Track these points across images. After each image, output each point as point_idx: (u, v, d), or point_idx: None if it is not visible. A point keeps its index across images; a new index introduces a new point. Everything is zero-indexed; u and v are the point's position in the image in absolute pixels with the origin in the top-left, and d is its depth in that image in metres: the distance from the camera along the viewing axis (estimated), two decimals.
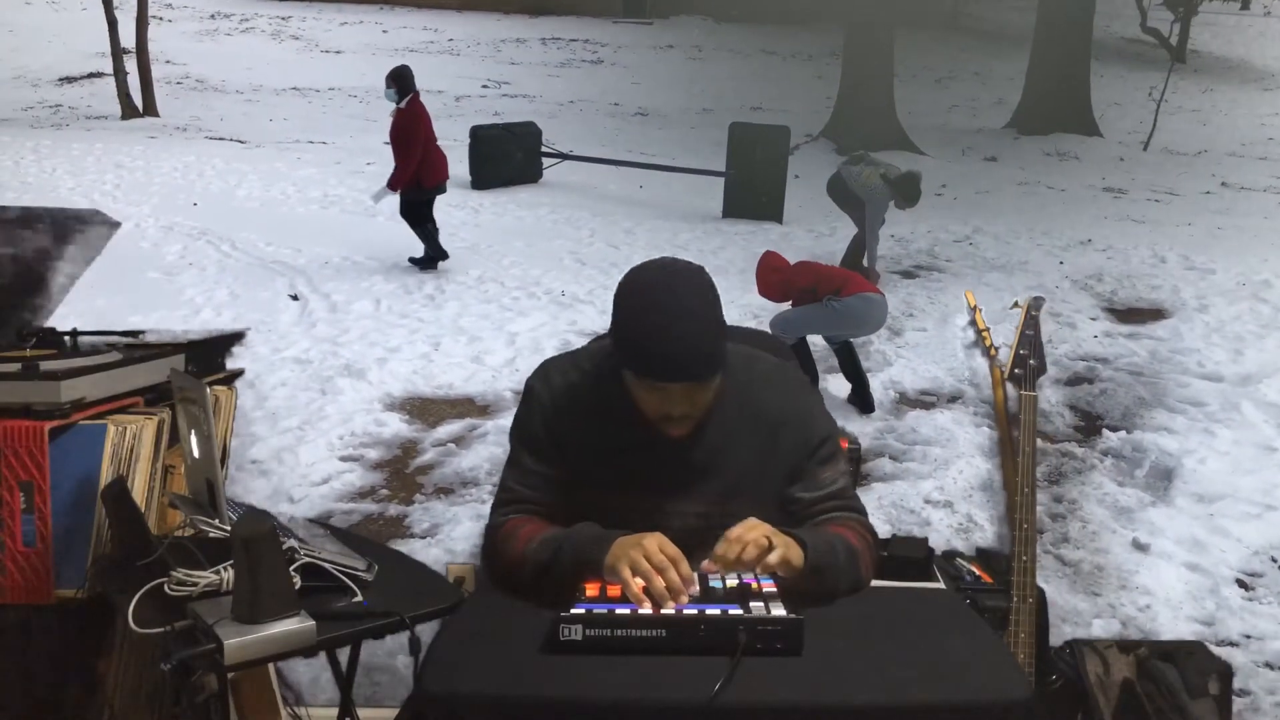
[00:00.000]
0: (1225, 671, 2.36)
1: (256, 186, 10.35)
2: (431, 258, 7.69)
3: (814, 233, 9.29)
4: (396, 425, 4.71)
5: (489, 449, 4.47)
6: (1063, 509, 4.07)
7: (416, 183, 7.70)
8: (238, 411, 4.67)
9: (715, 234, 9.37)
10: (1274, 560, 3.67)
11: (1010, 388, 2.38)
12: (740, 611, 1.39)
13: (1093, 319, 6.92)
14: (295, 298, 6.82)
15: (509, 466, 1.75)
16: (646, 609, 1.41)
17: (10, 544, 2.01)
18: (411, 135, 7.62)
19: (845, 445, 1.84)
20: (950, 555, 2.46)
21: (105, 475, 2.03)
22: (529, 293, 7.11)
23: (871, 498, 4.08)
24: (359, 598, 1.73)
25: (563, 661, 1.35)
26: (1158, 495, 4.19)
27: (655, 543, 1.49)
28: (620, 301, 1.60)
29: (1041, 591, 2.27)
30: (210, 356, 2.54)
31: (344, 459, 4.37)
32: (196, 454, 1.96)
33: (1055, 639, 3.19)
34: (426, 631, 1.56)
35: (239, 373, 2.60)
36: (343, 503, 4.03)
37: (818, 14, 25.91)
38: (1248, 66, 25.36)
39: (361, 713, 2.19)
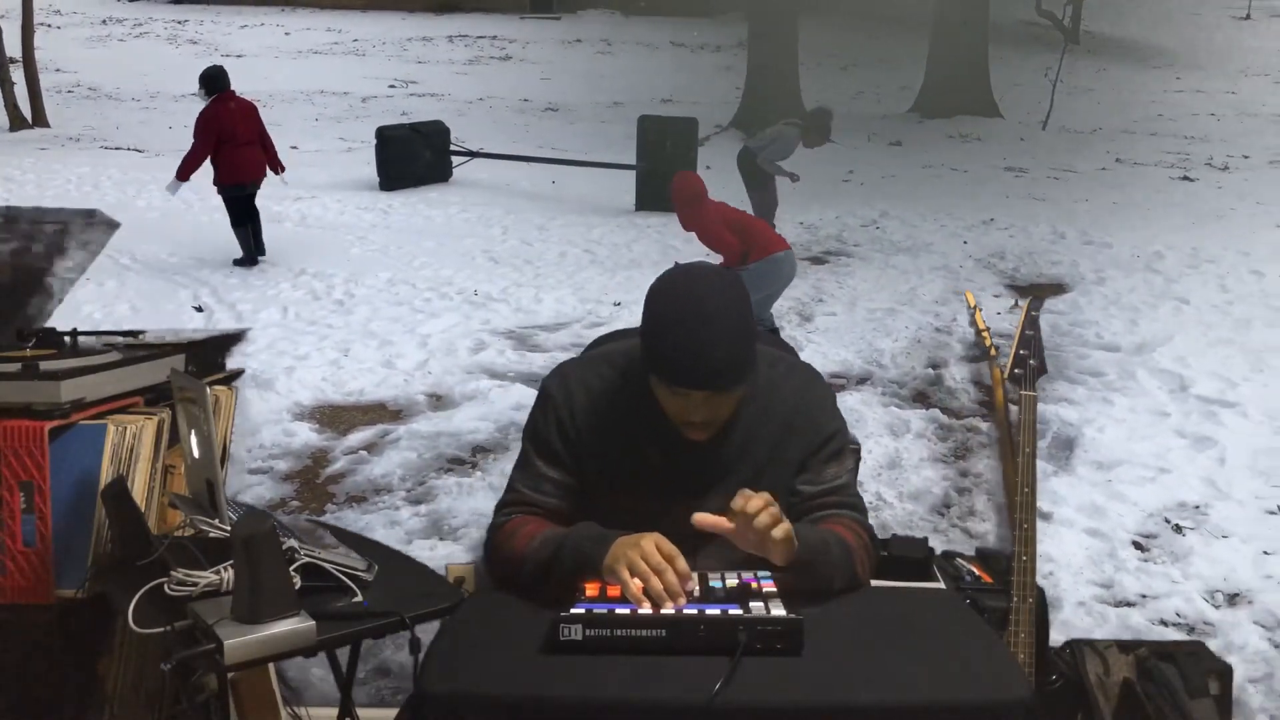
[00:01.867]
0: (1225, 671, 2.38)
1: (157, 196, 10.06)
2: (247, 258, 7.79)
3: None
4: (306, 435, 4.63)
5: (402, 454, 4.42)
6: (969, 483, 4.18)
7: (219, 179, 7.84)
8: None
9: (629, 227, 9.40)
10: (1167, 521, 3.82)
11: (1010, 387, 2.41)
12: (740, 611, 1.39)
13: (996, 296, 7.11)
14: (200, 309, 6.66)
15: (518, 468, 1.74)
16: (646, 609, 1.41)
17: (10, 544, 2.01)
18: (198, 129, 7.77)
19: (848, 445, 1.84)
20: (950, 555, 2.48)
21: (105, 475, 2.02)
22: (441, 293, 7.05)
23: None
24: (359, 598, 1.73)
25: (563, 661, 1.35)
26: (1060, 465, 4.33)
27: (652, 542, 1.49)
28: (650, 306, 1.60)
29: (1041, 591, 2.28)
30: (210, 356, 2.53)
31: (252, 471, 4.29)
32: (196, 454, 1.96)
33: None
34: (426, 631, 1.57)
35: (239, 372, 2.58)
36: None
37: (724, 5, 26.11)
38: (1138, 46, 26.26)
39: (361, 713, 2.19)
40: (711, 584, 1.49)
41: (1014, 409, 2.40)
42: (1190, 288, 7.24)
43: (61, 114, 15.46)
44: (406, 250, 8.29)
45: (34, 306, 2.66)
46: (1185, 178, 12.78)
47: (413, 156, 11.23)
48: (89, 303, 6.76)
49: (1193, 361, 5.56)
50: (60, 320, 6.35)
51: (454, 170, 11.79)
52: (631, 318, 6.59)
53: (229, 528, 1.80)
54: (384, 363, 5.57)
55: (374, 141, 11.16)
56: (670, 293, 1.58)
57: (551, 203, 10.56)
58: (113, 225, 2.80)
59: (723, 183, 9.77)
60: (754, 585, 1.48)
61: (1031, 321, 2.40)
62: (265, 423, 4.72)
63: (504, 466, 4.31)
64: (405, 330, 6.17)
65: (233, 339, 2.82)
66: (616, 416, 1.69)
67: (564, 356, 5.85)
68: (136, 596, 1.68)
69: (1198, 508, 3.94)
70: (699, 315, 1.53)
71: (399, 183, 10.92)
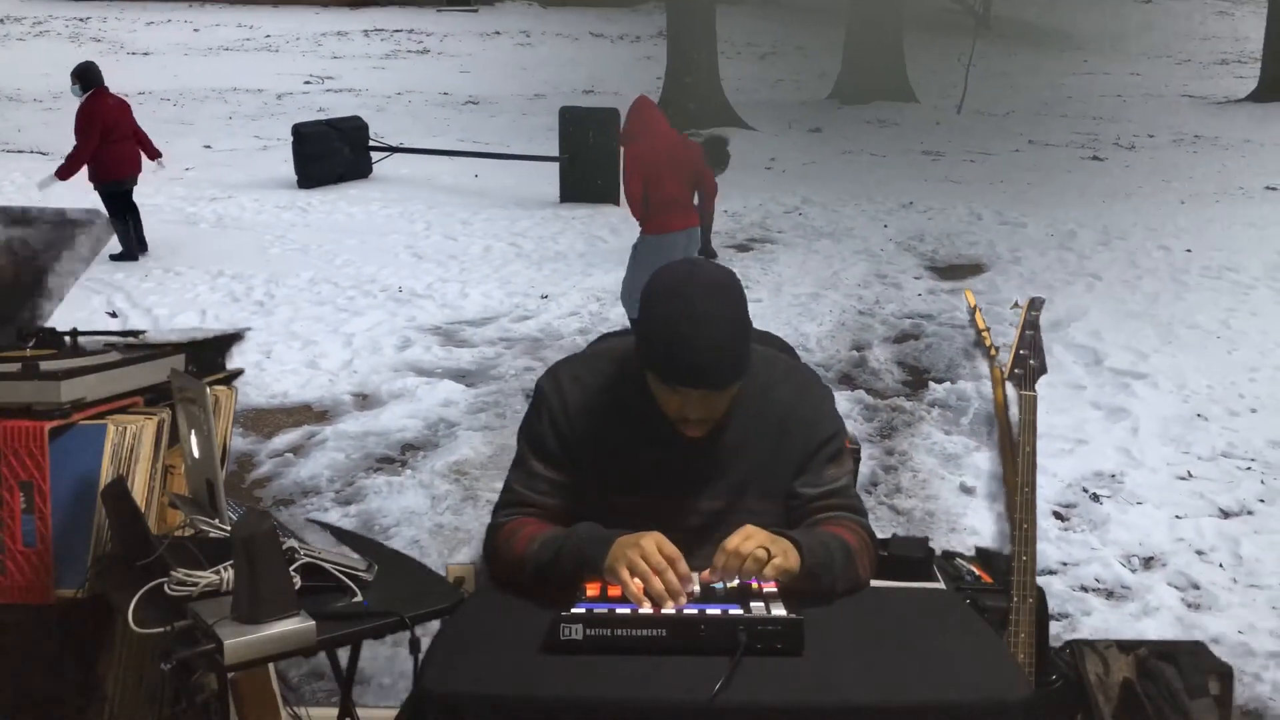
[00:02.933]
0: (1225, 671, 2.40)
1: (64, 200, 9.72)
2: (125, 253, 7.74)
3: None
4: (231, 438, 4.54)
5: (329, 455, 4.36)
6: (895, 460, 4.27)
7: (97, 177, 7.79)
8: None
9: (553, 219, 9.37)
10: (1085, 490, 3.94)
11: (1010, 387, 2.43)
12: (740, 611, 1.39)
13: (916, 278, 7.25)
14: (114, 315, 6.47)
15: (515, 469, 1.74)
16: (646, 609, 1.41)
17: (10, 544, 1.99)
18: (83, 128, 7.70)
19: (848, 446, 1.85)
20: (950, 555, 2.50)
21: (105, 475, 2.00)
22: (364, 291, 6.95)
23: None
24: (359, 598, 1.73)
25: (563, 661, 1.35)
26: (981, 440, 4.43)
27: (653, 542, 1.49)
28: (647, 303, 1.60)
29: (1041, 591, 2.28)
30: (210, 356, 2.48)
31: None
32: (196, 454, 1.94)
33: None
34: (426, 632, 1.56)
35: (239, 372, 2.53)
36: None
37: None
38: (1046, 30, 26.93)
39: (361, 713, 2.18)
40: (712, 584, 1.51)
41: (1014, 410, 2.43)
42: (1102, 264, 7.47)
43: None
44: (328, 249, 8.15)
45: (34, 307, 2.59)
46: (1095, 157, 13.16)
47: (331, 153, 11.03)
48: None
49: (1106, 335, 5.74)
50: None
51: (374, 166, 11.62)
52: (559, 310, 6.58)
53: (229, 528, 1.79)
54: (308, 364, 5.48)
55: (290, 139, 10.93)
56: (668, 290, 1.59)
57: (475, 197, 10.47)
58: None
59: None
60: (754, 585, 1.49)
61: (1031, 321, 2.43)
62: None
63: (434, 464, 4.28)
64: (329, 330, 6.07)
65: (232, 339, 2.78)
66: (611, 415, 1.70)
67: (491, 351, 5.85)
68: (136, 596, 1.68)
69: (1114, 476, 4.07)
70: (696, 313, 1.54)
71: (318, 180, 10.71)
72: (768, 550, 1.49)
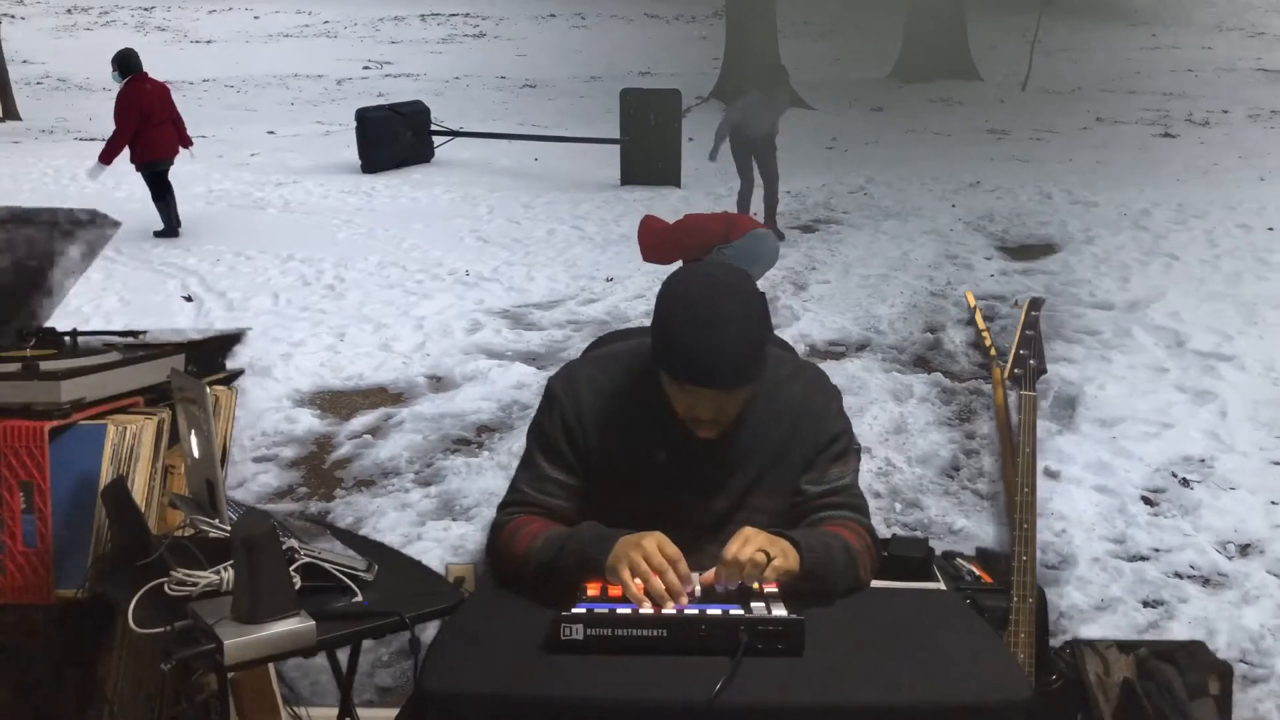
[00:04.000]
0: (1225, 671, 2.39)
1: (136, 186, 9.91)
2: (166, 229, 8.15)
3: (712, 195, 9.33)
4: (309, 421, 4.60)
5: (407, 437, 4.40)
6: (976, 445, 4.20)
7: (137, 158, 8.15)
8: None
9: (615, 202, 9.35)
10: (1174, 475, 3.85)
11: (1010, 387, 2.41)
12: (741, 612, 1.39)
13: (988, 258, 7.12)
14: (189, 299, 6.59)
15: (523, 468, 1.74)
16: (647, 609, 1.41)
17: (10, 544, 2.00)
18: (121, 113, 8.01)
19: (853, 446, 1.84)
20: (950, 555, 2.49)
21: (105, 475, 2.01)
22: (432, 274, 7.00)
23: None
24: (359, 598, 1.73)
25: (563, 661, 1.35)
26: (1063, 423, 4.35)
27: (654, 543, 1.49)
28: (663, 303, 1.60)
29: (1041, 591, 2.28)
30: (210, 356, 2.50)
31: (258, 460, 4.26)
32: (196, 454, 1.95)
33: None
34: (426, 632, 1.56)
35: (239, 372, 2.56)
36: (262, 504, 3.92)
37: None
38: (1113, 4, 26.25)
39: (361, 713, 2.18)
40: (714, 587, 1.50)
41: (1014, 411, 2.40)
42: (1179, 244, 7.28)
43: (32, 106, 15.24)
44: (394, 233, 8.22)
45: (34, 307, 2.63)
46: (1166, 134, 12.82)
47: (394, 138, 11.12)
48: (76, 296, 6.65)
49: (1187, 317, 5.59)
50: (50, 316, 6.28)
51: (435, 150, 11.69)
52: (625, 293, 6.57)
53: (229, 528, 1.79)
54: (381, 346, 5.53)
55: (353, 124, 11.04)
56: (684, 291, 1.59)
57: (535, 180, 10.49)
58: (114, 224, 2.76)
59: (706, 155, 9.77)
60: (755, 585, 1.49)
61: (1031, 321, 2.42)
62: (266, 410, 4.68)
63: (510, 445, 4.31)
64: (399, 313, 6.12)
65: (232, 339, 2.81)
66: (623, 416, 1.70)
67: (560, 334, 5.86)
68: (136, 596, 1.67)
69: (1203, 461, 3.97)
70: (712, 314, 1.54)
71: (381, 165, 10.81)
72: (766, 553, 1.48)
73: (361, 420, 4.62)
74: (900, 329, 5.59)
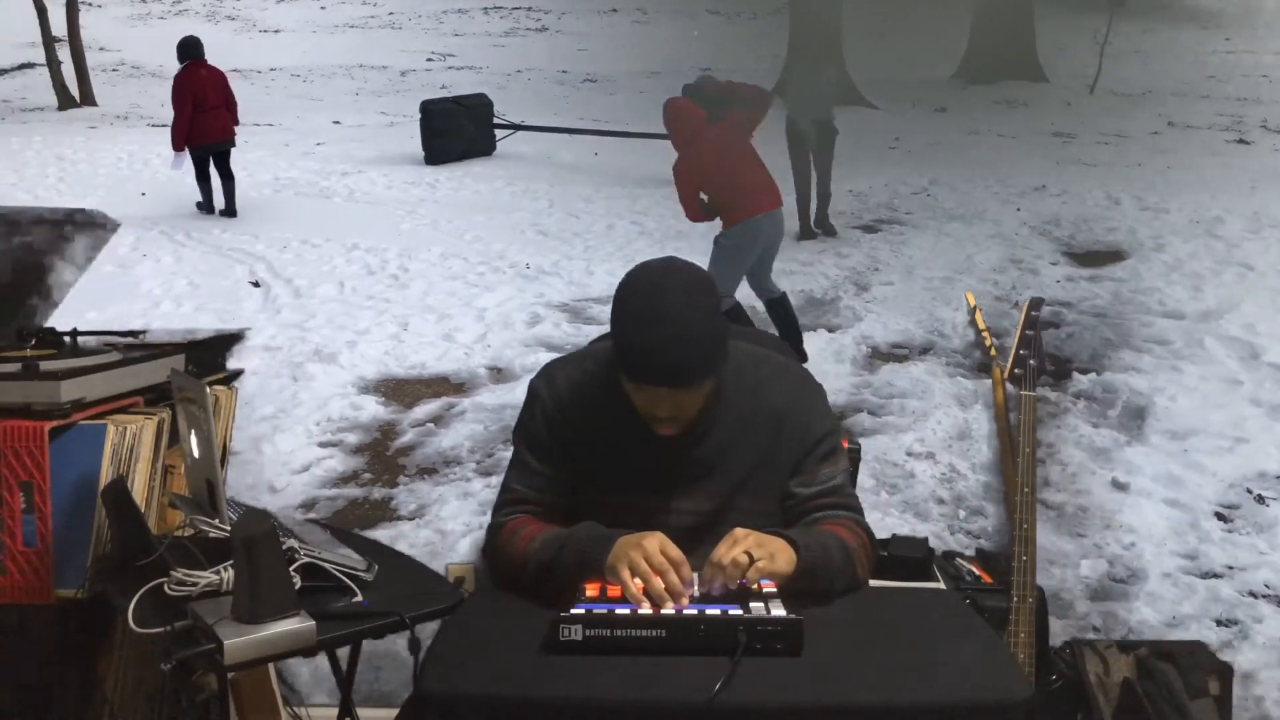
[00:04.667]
0: (1225, 671, 2.38)
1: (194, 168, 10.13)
2: (206, 205, 8.59)
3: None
4: (373, 408, 4.67)
5: (469, 427, 4.44)
6: (1042, 454, 4.13)
7: (189, 141, 8.50)
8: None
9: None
10: (1249, 492, 3.76)
11: (1010, 387, 2.40)
12: (740, 612, 1.40)
13: (1053, 264, 7.00)
14: (257, 284, 6.70)
15: (512, 467, 1.76)
16: (646, 609, 1.41)
17: (10, 544, 2.00)
18: (175, 98, 8.49)
19: (845, 445, 1.86)
20: (950, 555, 2.50)
21: (105, 475, 2.01)
22: (493, 267, 7.05)
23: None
24: (359, 598, 1.73)
25: (563, 661, 1.35)
26: (1132, 434, 4.26)
27: (656, 543, 1.49)
28: (616, 300, 1.61)
29: (1041, 591, 2.29)
30: (210, 356, 2.52)
31: (323, 445, 4.33)
32: (196, 454, 1.94)
33: (1049, 580, 3.26)
34: (426, 631, 1.56)
35: (239, 372, 2.58)
36: (326, 489, 3.99)
37: None
38: (1185, 6, 25.61)
39: (361, 713, 2.19)
40: (708, 592, 1.50)
41: (1014, 411, 2.39)
42: (1253, 253, 7.09)
43: (108, 92, 15.56)
44: (456, 224, 8.28)
45: (34, 306, 2.65)
46: (1240, 140, 12.49)
47: (457, 130, 11.20)
48: (148, 279, 6.83)
49: (1262, 329, 5.45)
50: (122, 297, 6.45)
51: (497, 143, 11.76)
52: None
53: (229, 528, 1.79)
54: (444, 336, 5.59)
55: (416, 115, 11.14)
56: (634, 288, 1.59)
57: (596, 174, 10.51)
58: (114, 225, 2.79)
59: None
60: (754, 586, 1.48)
61: (1031, 321, 2.40)
62: (332, 396, 4.75)
63: None
64: (462, 304, 6.18)
65: (233, 339, 2.83)
66: (601, 413, 1.70)
67: None
68: (136, 596, 1.67)
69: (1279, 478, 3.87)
70: (661, 310, 1.53)
71: (444, 157, 10.89)
72: (750, 555, 1.48)
73: (424, 409, 4.67)
74: (965, 333, 5.51)
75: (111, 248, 7.67)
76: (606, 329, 5.53)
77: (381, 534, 3.64)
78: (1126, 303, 6.04)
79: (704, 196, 5.26)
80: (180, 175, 9.45)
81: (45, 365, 2.09)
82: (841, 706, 1.30)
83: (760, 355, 1.76)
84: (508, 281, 6.72)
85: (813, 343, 5.37)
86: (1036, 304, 2.42)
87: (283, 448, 4.25)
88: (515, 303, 6.27)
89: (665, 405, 1.60)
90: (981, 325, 2.68)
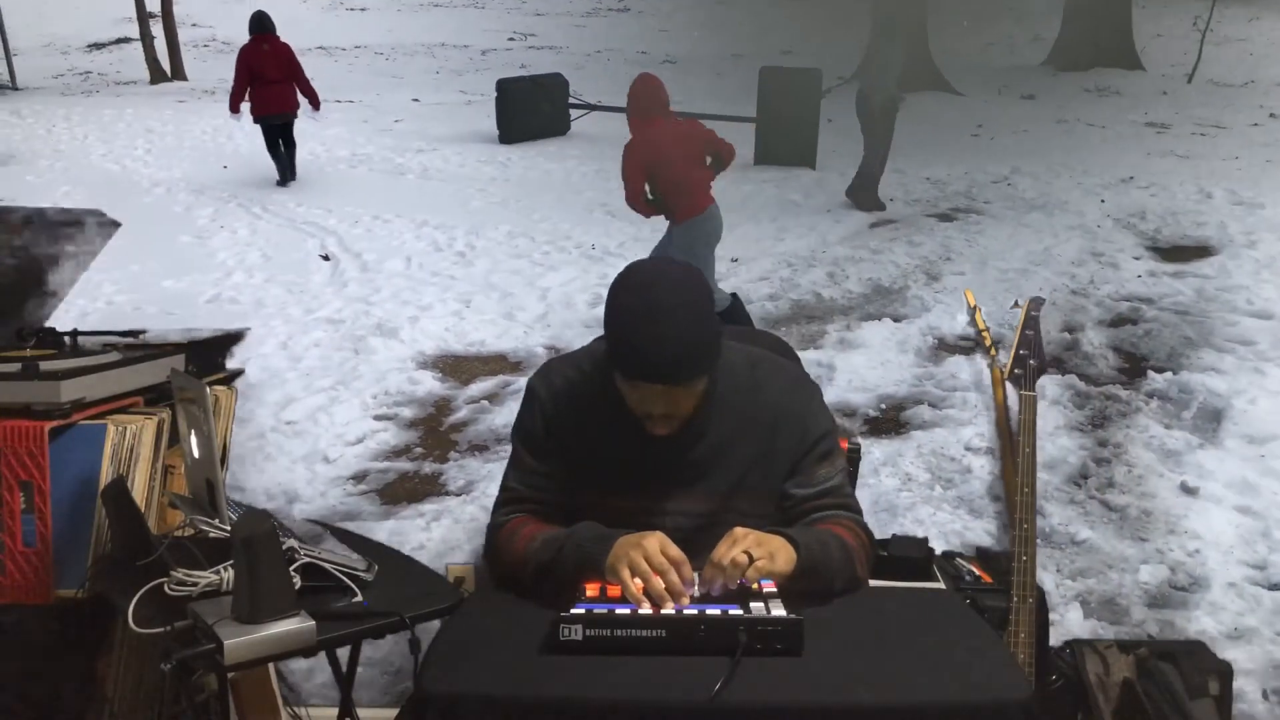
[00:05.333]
0: (1225, 671, 2.36)
1: (250, 135, 10.32)
2: (282, 179, 9.02)
3: (847, 178, 9.10)
4: (430, 383, 4.70)
5: None
6: (1108, 453, 3.98)
7: (253, 111, 8.90)
8: (272, 372, 4.67)
9: (745, 181, 9.23)
10: None
11: (1010, 387, 2.36)
12: (740, 612, 1.40)
13: (1136, 258, 6.74)
14: (326, 258, 6.81)
15: (511, 466, 1.76)
16: (646, 609, 1.41)
17: (10, 544, 2.00)
18: (236, 69, 8.88)
19: (845, 445, 1.86)
20: (950, 555, 2.48)
21: (105, 475, 2.01)
22: (559, 247, 7.05)
23: (910, 446, 4.02)
24: (359, 598, 1.73)
25: (563, 661, 1.35)
26: (1206, 437, 4.08)
27: (656, 543, 1.49)
28: (609, 298, 1.61)
29: (1041, 591, 2.28)
30: (210, 356, 2.53)
31: (378, 418, 4.37)
32: (196, 454, 1.95)
33: (1107, 584, 3.14)
34: (426, 632, 1.55)
35: (239, 372, 2.59)
36: (378, 461, 4.03)
37: None
38: None
39: (361, 713, 2.19)
40: (709, 592, 1.49)
41: (1014, 411, 2.34)
42: None
43: (197, 67, 15.99)
44: (525, 204, 8.32)
45: (36, 306, 2.66)
46: None
47: (532, 109, 11.24)
48: (223, 249, 6.99)
49: None
50: (196, 267, 6.59)
51: (572, 123, 11.77)
52: (749, 275, 6.49)
53: (229, 528, 1.79)
54: (505, 315, 5.60)
55: (493, 94, 11.20)
56: (627, 287, 1.59)
57: None
58: (114, 224, 2.80)
59: (846, 138, 9.55)
60: (754, 586, 1.48)
61: (1031, 321, 2.37)
62: (390, 370, 4.80)
63: None
64: (525, 283, 6.19)
65: (233, 339, 2.82)
66: (598, 413, 1.70)
67: None
68: (136, 596, 1.67)
69: None
70: (653, 308, 1.53)
71: (518, 135, 10.95)
72: (750, 554, 1.47)
73: (480, 386, 4.69)
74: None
75: (190, 219, 7.88)
76: None
77: (429, 508, 3.66)
78: (1211, 300, 5.78)
79: (648, 191, 5.15)
80: (260, 150, 9.68)
81: (45, 365, 2.09)
82: (841, 706, 1.30)
83: (756, 355, 1.76)
84: (572, 262, 6.72)
85: (877, 331, 5.26)
86: (1037, 304, 2.39)
87: (339, 419, 4.31)
88: (578, 283, 6.26)
89: (658, 403, 1.60)
90: (981, 325, 2.64)
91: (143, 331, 2.63)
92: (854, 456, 2.25)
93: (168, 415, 2.14)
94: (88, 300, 5.96)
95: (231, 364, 4.79)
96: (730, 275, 6.47)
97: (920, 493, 3.69)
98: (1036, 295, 2.40)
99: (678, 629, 1.37)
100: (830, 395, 4.51)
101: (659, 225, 7.78)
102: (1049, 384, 4.57)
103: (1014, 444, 2.29)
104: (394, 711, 2.01)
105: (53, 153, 10.48)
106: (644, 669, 1.34)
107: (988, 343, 2.52)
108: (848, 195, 8.37)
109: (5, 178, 9.27)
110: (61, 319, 5.63)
